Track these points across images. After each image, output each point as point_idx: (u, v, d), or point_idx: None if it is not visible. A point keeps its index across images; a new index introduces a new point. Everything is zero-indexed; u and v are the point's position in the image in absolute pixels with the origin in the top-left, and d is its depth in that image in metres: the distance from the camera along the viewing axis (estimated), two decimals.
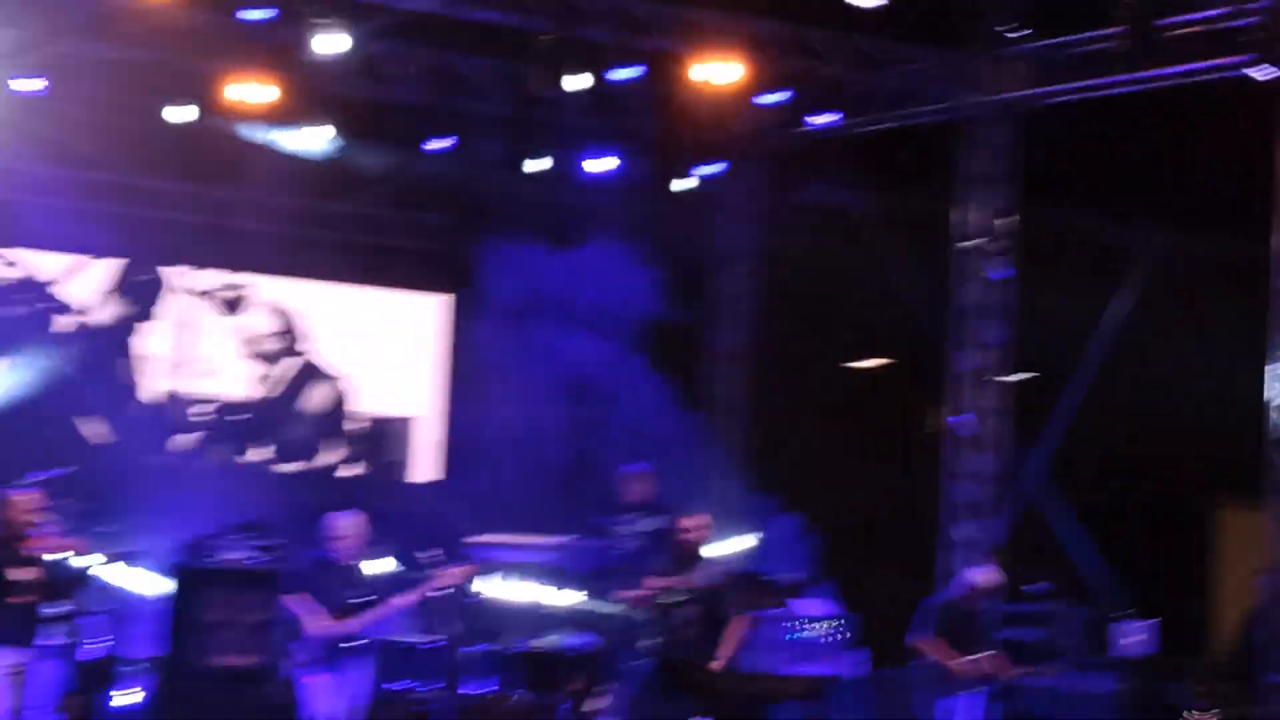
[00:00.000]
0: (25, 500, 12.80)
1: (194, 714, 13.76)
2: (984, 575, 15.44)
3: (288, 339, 20.05)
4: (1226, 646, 18.14)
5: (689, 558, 13.68)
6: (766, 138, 20.05)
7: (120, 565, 14.44)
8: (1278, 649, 15.85)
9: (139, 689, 14.40)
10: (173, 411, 19.43)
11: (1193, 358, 23.55)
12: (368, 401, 20.42)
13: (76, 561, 13.06)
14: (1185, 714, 14.90)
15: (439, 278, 20.15)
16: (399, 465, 20.62)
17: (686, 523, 13.84)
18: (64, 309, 19.19)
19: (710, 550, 16.76)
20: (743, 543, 17.15)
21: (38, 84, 16.88)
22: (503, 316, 19.05)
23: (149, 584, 15.01)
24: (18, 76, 16.90)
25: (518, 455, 20.93)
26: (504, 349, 19.93)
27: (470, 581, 14.72)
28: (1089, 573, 19.57)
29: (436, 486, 19.77)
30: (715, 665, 13.14)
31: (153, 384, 19.33)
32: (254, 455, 19.73)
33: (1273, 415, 16.02)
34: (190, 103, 17.17)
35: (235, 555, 14.73)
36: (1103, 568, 19.57)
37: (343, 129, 17.66)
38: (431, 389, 20.46)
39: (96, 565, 13.55)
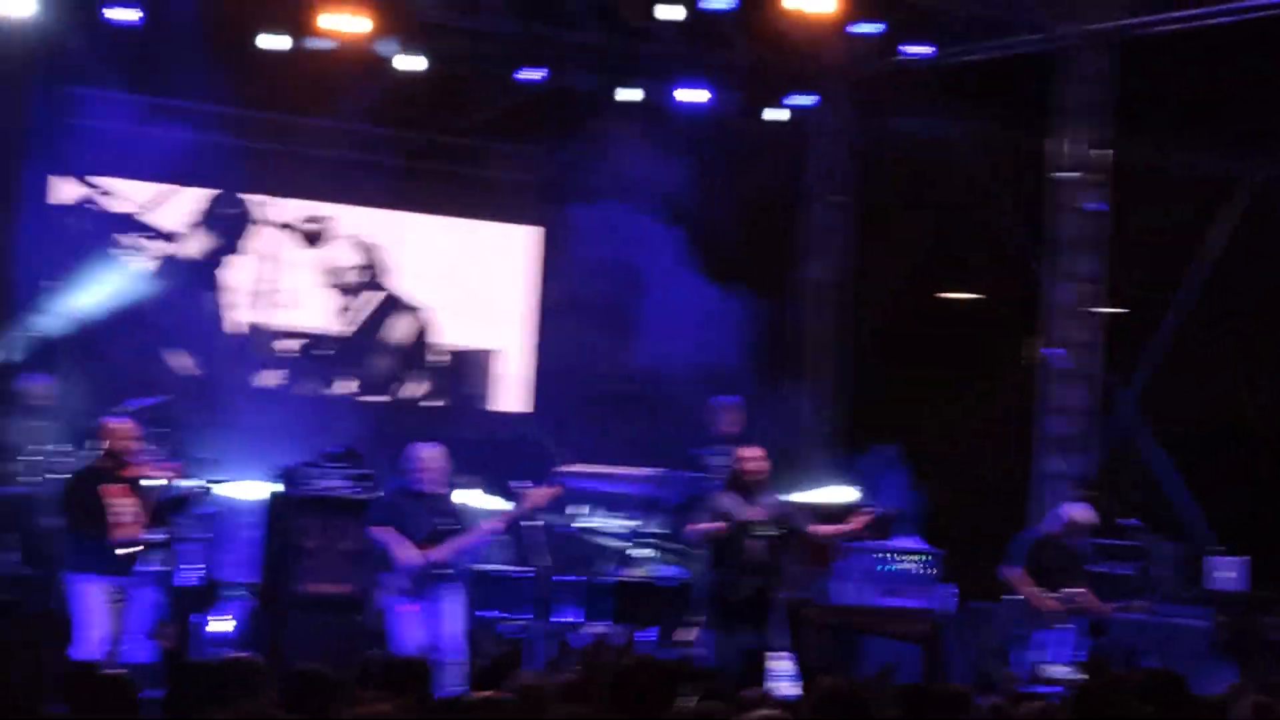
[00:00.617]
0: (123, 428, 12.94)
1: (288, 641, 13.86)
2: (1080, 511, 15.38)
3: (369, 272, 20.06)
4: None
5: (753, 488, 13.71)
6: (859, 68, 19.90)
7: (216, 492, 14.55)
8: None
9: (231, 616, 14.53)
10: (256, 344, 19.49)
11: None
12: (454, 334, 20.40)
13: (173, 488, 13.15)
14: None
15: (529, 210, 20.09)
16: (481, 397, 20.64)
17: (746, 453, 13.86)
18: (153, 238, 19.27)
19: (805, 496, 16.84)
20: (841, 494, 17.13)
21: (133, 14, 16.94)
22: (593, 250, 18.97)
23: (245, 511, 15.15)
24: (113, 5, 16.97)
25: (606, 388, 20.95)
26: (594, 283, 19.88)
27: (555, 504, 14.72)
28: (1182, 508, 19.44)
29: (525, 418, 19.79)
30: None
31: (236, 316, 19.41)
32: (339, 388, 19.78)
33: None
34: (283, 31, 17.19)
35: (329, 484, 14.78)
36: (1196, 503, 19.43)
37: (434, 58, 17.61)
38: (519, 322, 20.42)
39: (193, 492, 13.64)
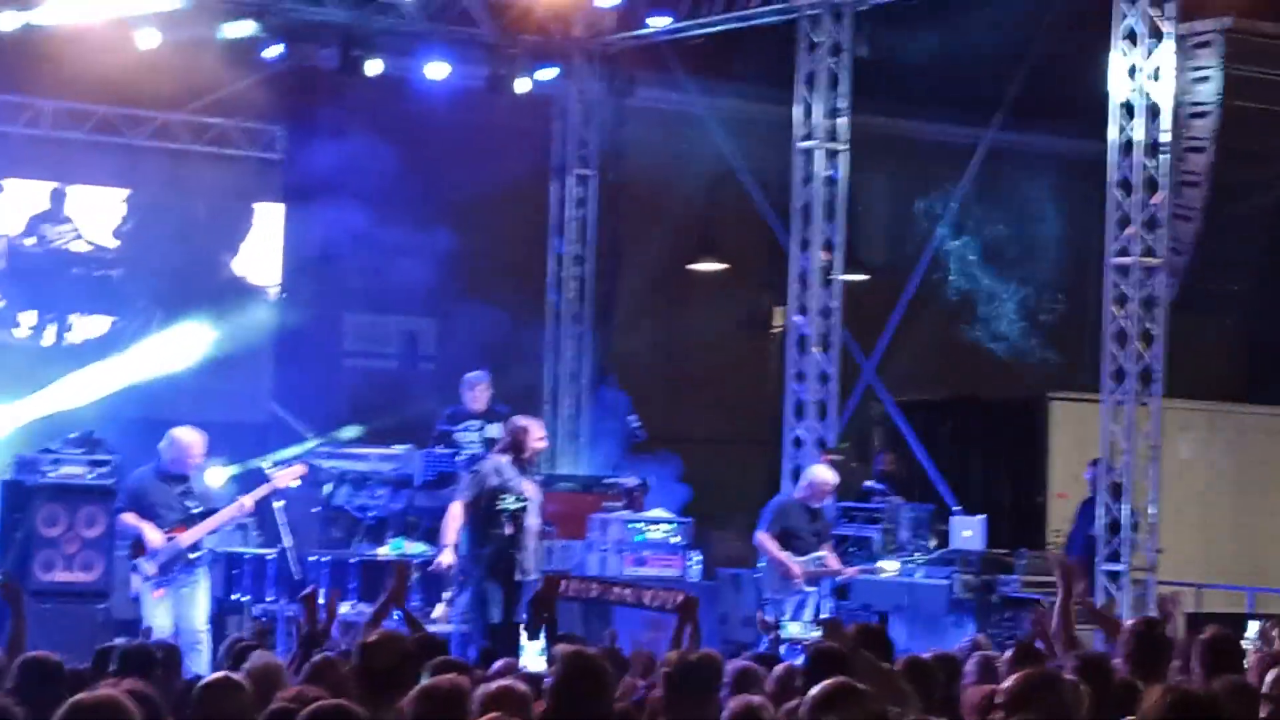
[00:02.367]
0: None
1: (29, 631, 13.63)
2: (820, 473, 15.67)
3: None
4: (1059, 538, 18.49)
5: (528, 464, 13.69)
6: (604, 40, 20.01)
7: None
8: (1108, 539, 16.19)
9: None
10: None
11: (1025, 252, 23.91)
12: None
13: None
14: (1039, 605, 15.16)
15: (271, 188, 19.85)
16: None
17: (534, 427, 13.84)
18: None
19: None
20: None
21: None
22: (335, 224, 18.86)
23: None
24: None
25: (356, 366, 20.91)
26: (343, 257, 19.80)
27: (302, 484, 14.68)
28: (925, 469, 19.89)
29: (276, 395, 19.65)
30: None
31: None
32: None
33: (1109, 308, 16.28)
34: (14, 8, 16.81)
35: (68, 470, 14.59)
36: (938, 464, 19.89)
37: (170, 35, 17.33)
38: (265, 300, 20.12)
39: None
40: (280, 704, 7.14)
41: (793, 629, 14.12)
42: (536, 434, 13.69)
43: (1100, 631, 10.88)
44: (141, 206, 18.96)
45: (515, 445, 13.58)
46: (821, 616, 13.09)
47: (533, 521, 13.41)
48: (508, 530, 13.21)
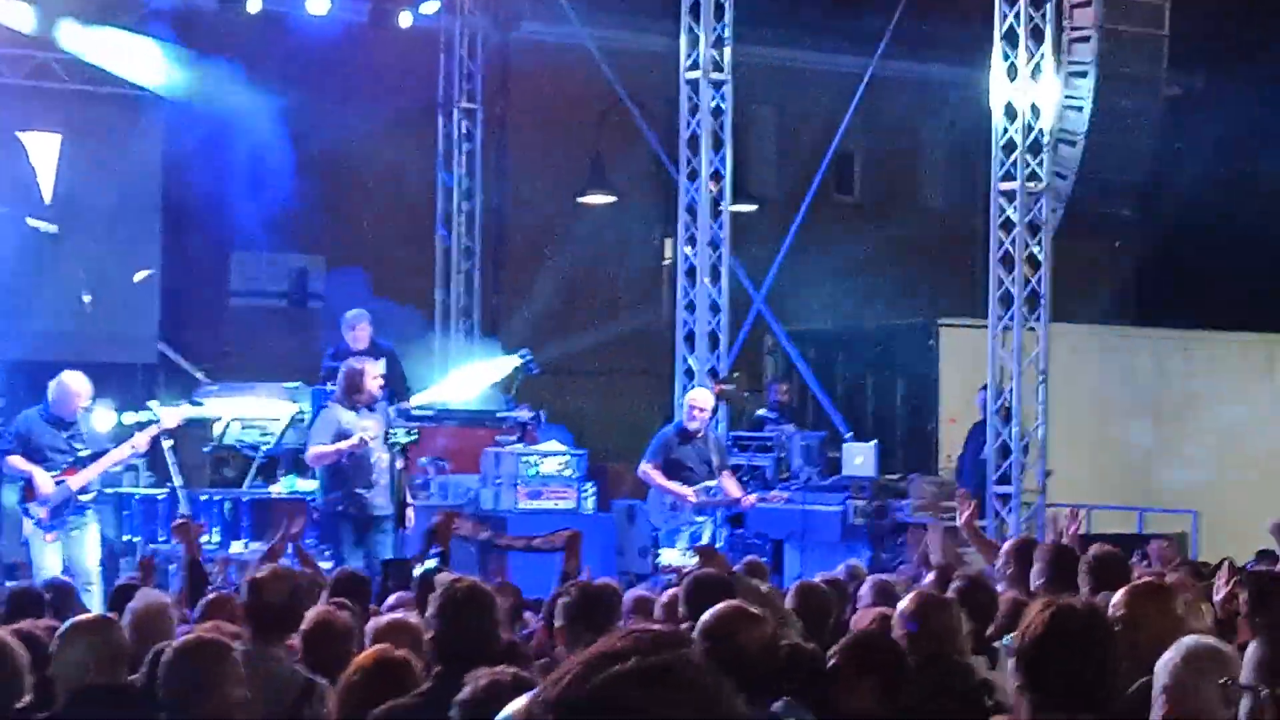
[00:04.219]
0: None
1: None
2: (691, 395, 15.67)
3: None
4: (950, 463, 18.65)
5: (367, 402, 13.66)
6: None
7: None
8: (998, 462, 16.35)
9: None
10: None
11: (913, 184, 24.04)
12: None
13: None
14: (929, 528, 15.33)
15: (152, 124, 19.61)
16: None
17: (357, 364, 13.82)
18: None
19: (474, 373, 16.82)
20: (506, 364, 17.14)
21: None
22: (221, 163, 18.67)
23: None
24: None
25: (243, 304, 20.78)
26: (229, 195, 19.63)
27: (191, 422, 14.59)
28: (817, 398, 19.99)
29: (163, 336, 19.50)
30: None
31: None
32: None
33: (996, 233, 16.41)
34: None
35: None
36: (830, 392, 20.01)
37: None
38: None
39: None
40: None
41: (670, 556, 14.17)
42: (372, 373, 13.69)
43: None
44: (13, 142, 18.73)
45: (352, 387, 13.59)
46: (699, 544, 13.09)
47: (382, 457, 13.45)
48: (370, 468, 13.33)
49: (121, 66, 18.43)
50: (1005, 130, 16.36)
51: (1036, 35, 16.27)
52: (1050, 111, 16.39)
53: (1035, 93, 16.28)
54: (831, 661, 6.42)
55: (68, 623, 7.29)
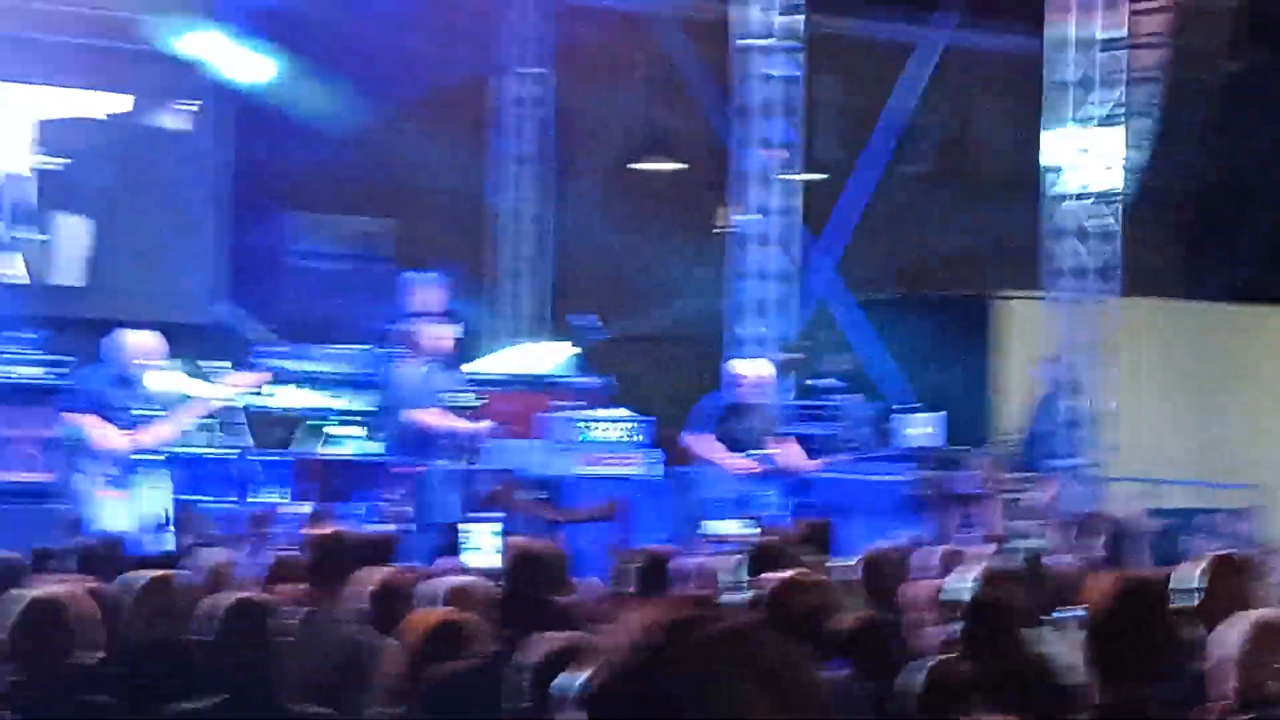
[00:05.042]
0: None
1: None
2: (738, 366, 15.57)
3: None
4: (1010, 436, 18.56)
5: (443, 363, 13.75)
6: None
7: None
8: (1055, 437, 16.29)
9: None
10: None
11: (980, 148, 23.92)
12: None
13: None
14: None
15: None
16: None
17: (435, 330, 13.89)
18: None
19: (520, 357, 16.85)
20: (558, 351, 17.18)
21: None
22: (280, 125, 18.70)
23: None
24: None
25: (308, 266, 20.82)
26: (290, 156, 19.68)
27: (260, 390, 14.65)
28: (876, 368, 19.92)
29: (228, 296, 19.57)
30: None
31: None
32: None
33: (1049, 205, 16.31)
34: None
35: (24, 371, 14.50)
36: (890, 362, 19.93)
37: None
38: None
39: None
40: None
41: (731, 526, 14.07)
42: (449, 335, 13.81)
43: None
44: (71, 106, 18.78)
45: (433, 349, 13.71)
46: (759, 513, 13.03)
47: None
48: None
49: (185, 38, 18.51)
50: (1075, 102, 16.24)
51: (1108, 6, 16.13)
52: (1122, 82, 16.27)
53: (1104, 63, 16.17)
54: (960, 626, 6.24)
55: (138, 578, 7.36)
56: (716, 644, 2.66)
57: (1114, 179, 16.29)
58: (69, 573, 8.48)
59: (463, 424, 13.72)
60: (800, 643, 2.74)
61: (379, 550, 8.99)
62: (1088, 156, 16.13)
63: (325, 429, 15.54)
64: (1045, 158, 16.32)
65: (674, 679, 2.65)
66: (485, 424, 13.79)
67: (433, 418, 13.53)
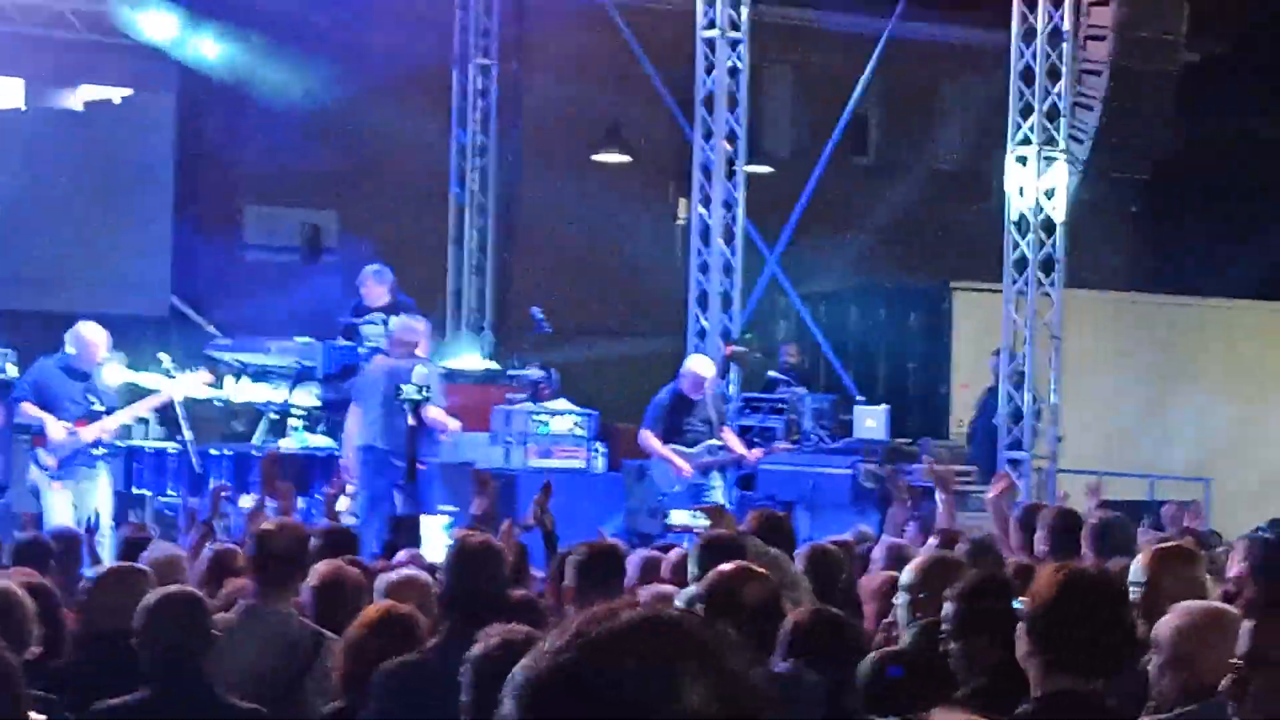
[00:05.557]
0: None
1: None
2: (695, 363, 15.58)
3: None
4: (962, 428, 18.61)
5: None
6: None
7: None
8: (1010, 427, 16.31)
9: None
10: None
11: (930, 145, 23.97)
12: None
13: None
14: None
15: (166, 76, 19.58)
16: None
17: (417, 324, 13.88)
18: None
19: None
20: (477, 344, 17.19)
21: None
22: (233, 115, 18.66)
23: None
24: None
25: (257, 259, 20.75)
26: (242, 148, 19.62)
27: (214, 386, 14.61)
28: (828, 359, 19.95)
29: (176, 289, 19.50)
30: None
31: None
32: None
33: (1010, 199, 16.34)
34: None
35: None
36: (842, 355, 19.96)
37: None
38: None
39: None
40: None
41: (681, 517, 14.10)
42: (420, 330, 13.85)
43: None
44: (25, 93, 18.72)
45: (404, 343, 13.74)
46: (706, 504, 13.02)
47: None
48: (410, 422, 13.22)
49: (137, 21, 18.41)
50: (1022, 93, 16.29)
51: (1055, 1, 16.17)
52: (1067, 74, 16.31)
53: (1052, 56, 16.20)
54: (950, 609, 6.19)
55: (98, 570, 7.35)
56: (644, 632, 2.66)
57: (1061, 171, 16.33)
58: (6, 567, 8.43)
59: (454, 422, 13.74)
60: (745, 634, 2.74)
61: (338, 544, 8.95)
62: (1040, 146, 16.17)
63: (274, 420, 15.50)
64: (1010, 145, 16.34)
65: (605, 669, 2.64)
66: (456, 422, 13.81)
67: (445, 415, 13.54)
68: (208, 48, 18.44)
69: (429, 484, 13.02)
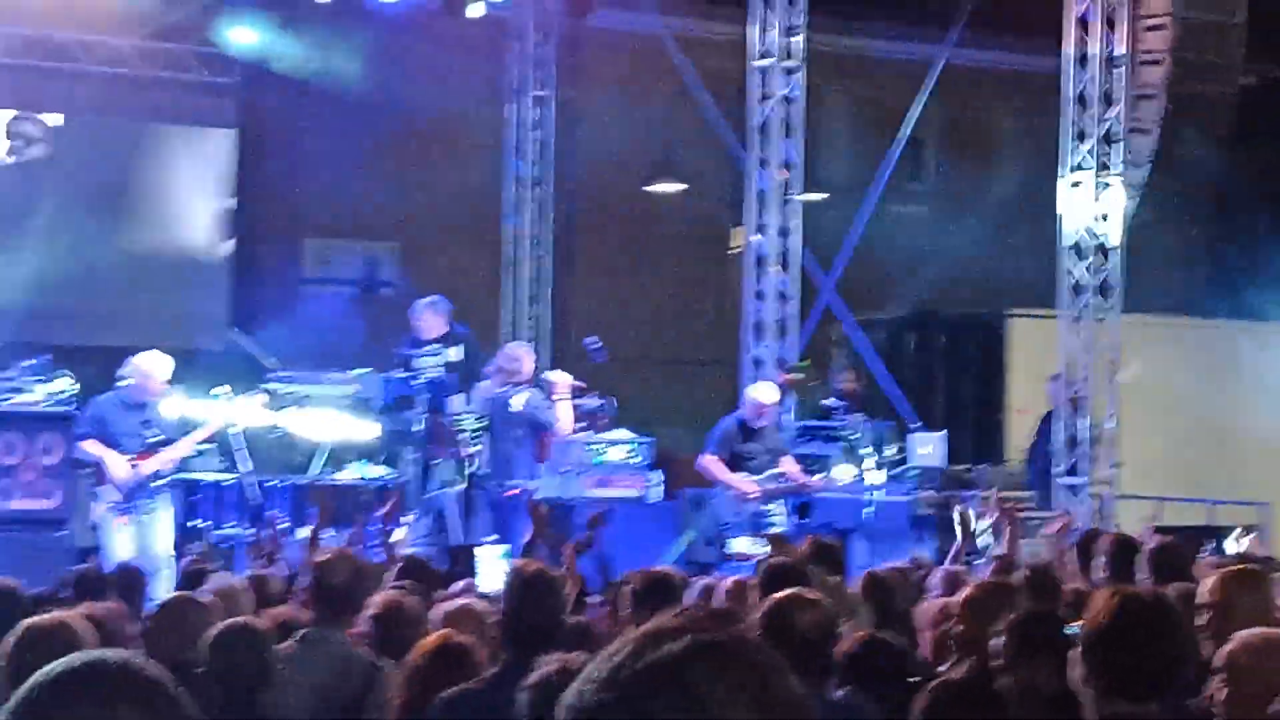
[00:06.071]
0: None
1: None
2: (757, 392, 15.56)
3: None
4: (1020, 454, 18.54)
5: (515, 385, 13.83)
6: None
7: None
8: (1065, 453, 16.25)
9: None
10: None
11: (985, 172, 23.92)
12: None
13: None
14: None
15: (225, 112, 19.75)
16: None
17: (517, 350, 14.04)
18: None
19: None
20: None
21: None
22: (292, 149, 18.78)
23: None
24: None
25: (316, 292, 20.84)
26: (301, 182, 19.75)
27: (267, 413, 14.68)
28: (885, 387, 19.90)
29: (235, 322, 19.61)
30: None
31: None
32: None
33: (1063, 224, 16.30)
34: None
35: (26, 398, 14.52)
36: (898, 381, 19.91)
37: None
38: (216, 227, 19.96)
39: None
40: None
41: (741, 545, 14.09)
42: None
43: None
44: (85, 130, 18.88)
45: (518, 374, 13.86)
46: (770, 532, 13.02)
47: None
48: (464, 452, 13.33)
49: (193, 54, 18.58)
50: (1076, 119, 16.25)
51: (1110, 23, 16.14)
52: (1126, 100, 16.26)
53: (1107, 81, 16.16)
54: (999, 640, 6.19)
55: (160, 601, 7.39)
56: (691, 655, 2.66)
57: (1118, 196, 16.28)
58: (69, 601, 8.48)
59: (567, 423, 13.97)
60: (791, 658, 2.74)
61: (380, 574, 8.97)
62: (1094, 172, 16.11)
63: (333, 452, 15.55)
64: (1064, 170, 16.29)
65: (651, 692, 2.65)
66: None
67: (566, 423, 13.75)
68: (268, 84, 18.61)
69: (485, 513, 13.04)
